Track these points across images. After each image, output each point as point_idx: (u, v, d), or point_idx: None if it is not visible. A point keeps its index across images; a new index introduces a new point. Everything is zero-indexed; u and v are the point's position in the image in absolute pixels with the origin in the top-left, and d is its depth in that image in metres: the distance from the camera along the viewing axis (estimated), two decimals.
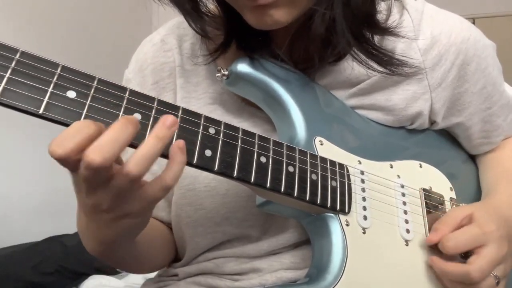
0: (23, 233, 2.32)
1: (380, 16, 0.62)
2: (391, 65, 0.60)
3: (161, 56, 0.68)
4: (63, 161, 0.39)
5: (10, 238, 2.25)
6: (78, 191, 0.45)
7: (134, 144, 0.42)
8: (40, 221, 2.46)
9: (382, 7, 0.63)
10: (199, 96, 0.67)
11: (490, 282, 0.58)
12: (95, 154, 0.38)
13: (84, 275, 2.14)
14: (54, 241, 2.26)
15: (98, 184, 0.41)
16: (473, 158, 0.80)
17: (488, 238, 0.59)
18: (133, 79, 0.69)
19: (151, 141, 0.41)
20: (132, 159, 0.41)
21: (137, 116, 0.45)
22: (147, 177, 0.43)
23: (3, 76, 0.39)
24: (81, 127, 0.39)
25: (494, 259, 0.58)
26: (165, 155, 0.44)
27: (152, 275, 0.78)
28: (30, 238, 2.27)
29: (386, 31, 0.60)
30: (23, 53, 0.40)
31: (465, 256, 0.59)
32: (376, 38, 0.61)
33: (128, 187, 0.42)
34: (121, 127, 0.40)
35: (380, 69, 0.60)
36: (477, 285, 0.57)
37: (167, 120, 0.42)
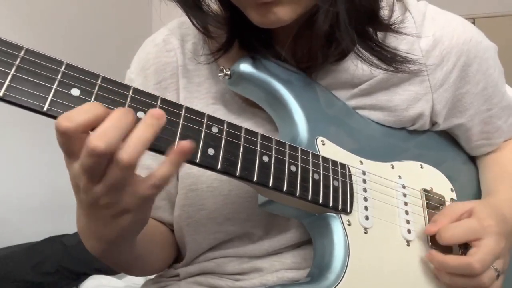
0: (23, 233, 2.32)
1: (383, 13, 0.62)
2: (395, 62, 0.60)
3: (164, 56, 0.68)
4: (67, 135, 0.39)
5: (10, 238, 2.25)
6: (76, 187, 0.44)
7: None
8: (40, 221, 2.46)
9: (385, 3, 0.63)
10: (201, 96, 0.67)
11: (491, 275, 0.58)
12: (99, 141, 0.38)
13: (84, 275, 2.14)
14: (54, 241, 2.26)
15: (97, 174, 0.41)
16: (473, 160, 0.80)
17: (486, 231, 0.59)
18: (135, 79, 0.68)
19: (141, 134, 0.41)
20: (124, 148, 0.40)
21: (141, 114, 0.45)
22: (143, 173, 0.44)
23: (8, 73, 0.39)
24: (91, 107, 0.40)
25: (493, 251, 0.58)
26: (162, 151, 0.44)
27: (153, 275, 0.78)
28: (30, 238, 2.27)
29: (389, 27, 0.60)
30: (28, 51, 0.40)
31: (463, 251, 0.59)
32: (380, 35, 0.61)
33: (121, 177, 0.41)
34: (121, 114, 0.40)
35: (384, 66, 0.60)
36: (479, 277, 0.57)
37: (153, 112, 0.42)
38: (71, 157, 0.42)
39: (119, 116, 0.40)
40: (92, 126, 0.40)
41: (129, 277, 2.11)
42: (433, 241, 0.61)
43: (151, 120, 0.41)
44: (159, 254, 0.69)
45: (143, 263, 0.65)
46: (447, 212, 0.62)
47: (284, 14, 0.53)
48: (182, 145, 0.42)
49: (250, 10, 0.55)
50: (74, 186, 0.44)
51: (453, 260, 0.58)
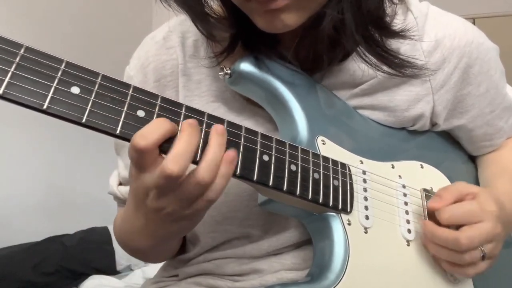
0: (23, 233, 2.33)
1: (389, 19, 0.62)
2: (401, 67, 0.60)
3: (163, 54, 0.68)
4: (143, 153, 0.43)
5: (10, 238, 2.25)
6: (144, 194, 0.48)
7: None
8: (40, 221, 2.47)
9: (389, 10, 0.63)
10: (202, 94, 0.66)
11: (475, 254, 0.58)
12: (175, 165, 0.43)
13: (84, 275, 2.14)
14: (54, 241, 2.27)
15: (168, 191, 0.46)
16: (473, 159, 0.80)
17: (486, 216, 0.59)
18: (134, 76, 0.68)
19: (215, 148, 0.46)
20: (200, 167, 0.45)
21: (141, 113, 0.45)
22: None
23: (8, 71, 0.39)
24: (161, 124, 0.44)
25: (485, 234, 0.58)
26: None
27: (152, 275, 0.78)
28: (30, 238, 2.28)
29: (396, 34, 0.60)
30: (28, 48, 0.40)
31: (457, 228, 0.59)
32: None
33: (196, 194, 0.46)
34: (191, 134, 0.45)
35: (390, 71, 0.60)
36: (462, 254, 0.57)
37: (218, 128, 0.47)
38: (142, 171, 0.46)
39: (189, 138, 0.45)
40: (162, 141, 0.44)
41: (129, 277, 2.12)
42: (430, 216, 0.62)
43: (221, 139, 0.47)
44: (177, 245, 0.71)
45: (168, 254, 0.71)
46: (452, 189, 0.62)
47: (290, 20, 0.53)
48: (227, 155, 0.47)
49: (257, 16, 0.55)
50: (141, 193, 0.48)
51: (443, 232, 0.59)
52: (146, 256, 0.70)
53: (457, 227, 0.59)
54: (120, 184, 0.71)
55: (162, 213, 0.48)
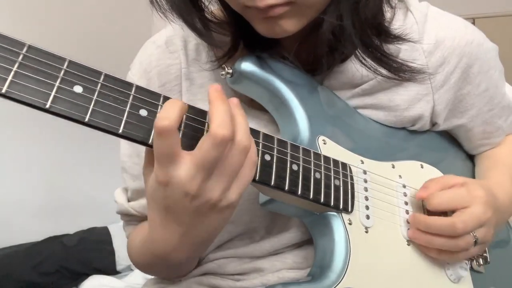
0: (23, 233, 2.33)
1: (387, 23, 0.62)
2: (399, 71, 0.61)
3: (167, 58, 0.67)
4: (169, 134, 0.42)
5: (10, 238, 2.25)
6: (184, 197, 0.45)
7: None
8: (40, 221, 2.46)
9: (389, 13, 0.63)
10: (205, 98, 0.66)
11: (468, 239, 0.59)
12: (224, 129, 0.43)
13: (84, 275, 2.14)
14: (54, 241, 2.26)
15: (214, 166, 0.44)
16: (471, 158, 0.81)
17: (474, 200, 0.60)
18: (138, 81, 0.67)
19: (243, 118, 0.47)
20: (238, 135, 0.45)
21: (143, 112, 0.45)
22: None
23: (11, 70, 0.39)
24: (174, 102, 0.44)
25: (477, 217, 0.59)
26: None
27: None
28: (30, 238, 2.28)
29: (395, 37, 0.60)
30: (30, 47, 0.40)
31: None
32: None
33: (239, 162, 0.45)
34: (224, 102, 0.45)
35: (389, 74, 0.61)
36: (457, 239, 0.58)
37: (234, 101, 0.48)
38: (173, 163, 0.43)
39: (224, 105, 0.45)
40: (180, 120, 0.44)
41: (129, 277, 2.12)
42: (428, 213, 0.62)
43: (241, 110, 0.48)
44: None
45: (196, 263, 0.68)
46: (439, 180, 0.63)
47: (289, 26, 0.54)
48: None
49: (256, 22, 0.55)
50: (179, 198, 0.45)
51: (436, 219, 0.59)
52: (180, 270, 0.66)
53: (446, 215, 0.60)
54: (129, 200, 0.70)
55: (207, 207, 0.46)
